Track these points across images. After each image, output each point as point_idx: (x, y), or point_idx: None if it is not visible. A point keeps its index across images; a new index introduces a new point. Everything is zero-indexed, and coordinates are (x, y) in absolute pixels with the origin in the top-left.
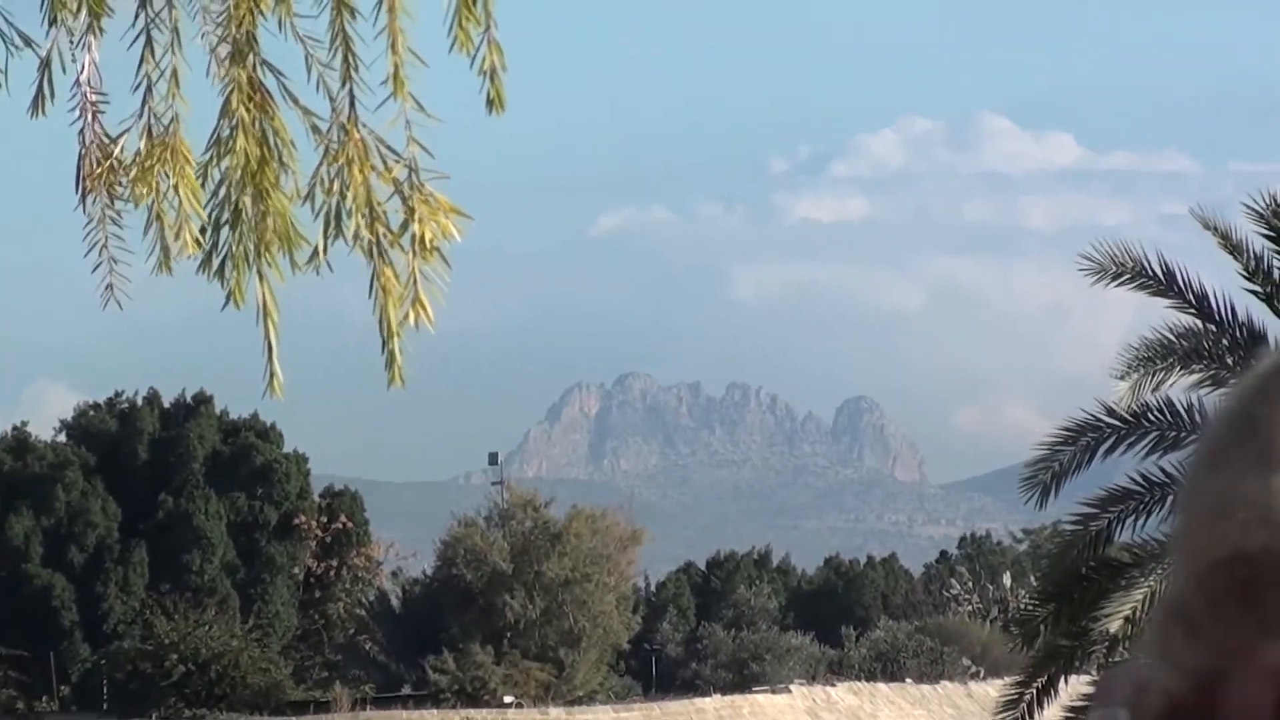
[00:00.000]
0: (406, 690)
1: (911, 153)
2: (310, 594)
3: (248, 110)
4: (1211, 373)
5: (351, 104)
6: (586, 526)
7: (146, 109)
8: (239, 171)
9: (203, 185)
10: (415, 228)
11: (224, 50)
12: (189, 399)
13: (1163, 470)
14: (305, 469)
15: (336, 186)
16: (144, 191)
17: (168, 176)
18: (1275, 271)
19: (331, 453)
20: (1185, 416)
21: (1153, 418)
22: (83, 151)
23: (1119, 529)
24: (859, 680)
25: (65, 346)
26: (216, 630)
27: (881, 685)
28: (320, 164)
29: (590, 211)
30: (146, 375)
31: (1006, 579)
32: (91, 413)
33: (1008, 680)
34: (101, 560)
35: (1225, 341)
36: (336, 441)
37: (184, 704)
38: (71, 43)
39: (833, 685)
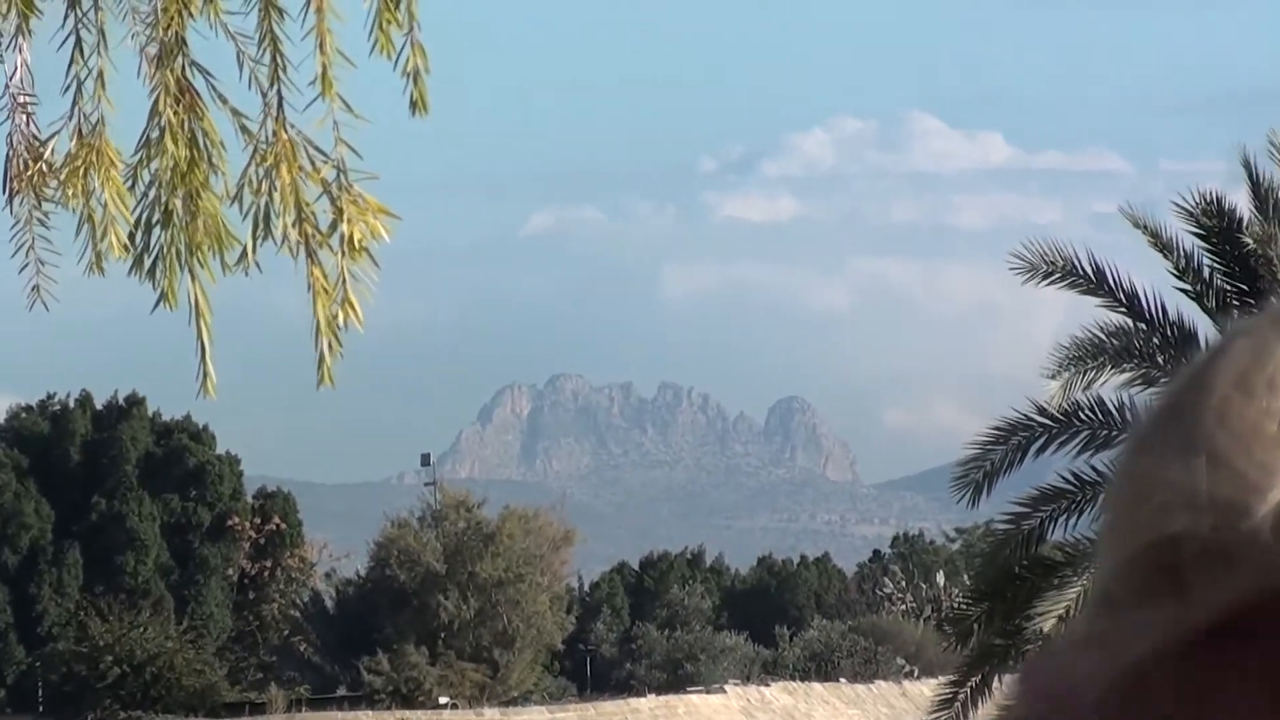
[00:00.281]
0: (342, 691)
1: (842, 152)
2: (244, 595)
3: (175, 112)
4: (1142, 371)
5: (280, 104)
6: (519, 527)
7: (77, 110)
8: (168, 173)
9: (133, 187)
10: (344, 228)
11: (153, 50)
12: (121, 401)
13: (1094, 469)
14: (238, 470)
15: (265, 187)
16: (72, 194)
17: (94, 178)
18: (1205, 270)
19: (264, 454)
20: (1116, 415)
21: (1084, 416)
22: (9, 153)
23: (1051, 528)
24: (793, 680)
25: None
26: (151, 632)
27: (816, 685)
28: (249, 165)
29: (520, 211)
30: (79, 377)
31: (940, 578)
32: (23, 415)
33: (942, 679)
34: (35, 562)
35: (1156, 340)
36: (269, 443)
37: (119, 706)
38: (0, 44)
39: (767, 685)
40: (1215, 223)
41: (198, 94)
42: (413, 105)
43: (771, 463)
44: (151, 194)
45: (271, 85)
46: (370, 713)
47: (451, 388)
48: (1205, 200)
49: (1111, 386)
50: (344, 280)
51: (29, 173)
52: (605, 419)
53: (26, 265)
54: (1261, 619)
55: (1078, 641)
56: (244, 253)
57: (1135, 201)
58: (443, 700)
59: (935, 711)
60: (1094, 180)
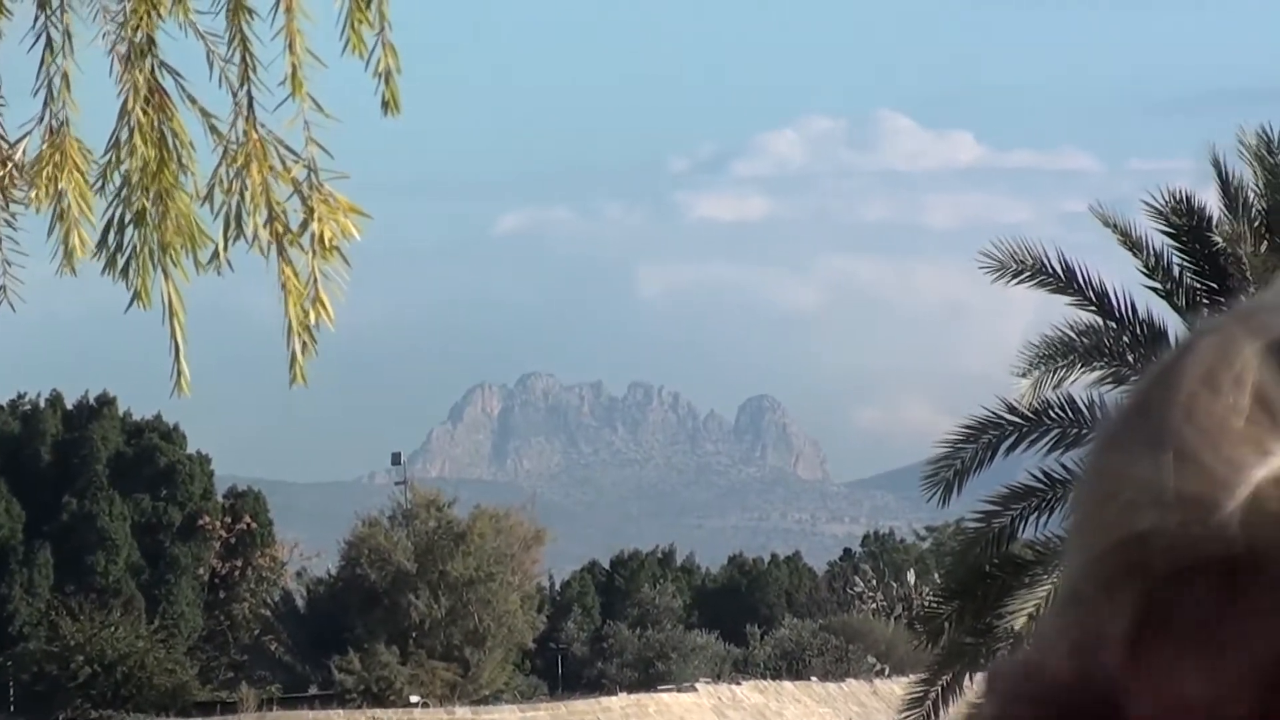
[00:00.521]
0: (313, 690)
1: (812, 151)
2: (215, 595)
3: (145, 113)
4: (1112, 370)
5: (250, 104)
6: (490, 526)
7: (48, 111)
8: (139, 173)
9: (104, 187)
10: (315, 227)
11: (123, 50)
12: (92, 401)
13: (1064, 467)
14: (209, 470)
15: (236, 186)
16: (39, 195)
17: (58, 179)
18: (1175, 268)
19: (235, 453)
20: (1086, 413)
21: (1054, 415)
22: None
23: (1022, 526)
24: (764, 679)
25: None
26: (122, 631)
27: (787, 683)
28: (219, 164)
29: (491, 211)
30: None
31: (910, 576)
32: None
33: (913, 678)
34: (6, 562)
35: (1126, 338)
36: (239, 442)
37: (90, 705)
38: None
39: (738, 684)
40: (1185, 221)
41: (167, 94)
42: (384, 105)
43: (742, 461)
44: (123, 194)
45: (241, 85)
46: (342, 712)
47: (422, 387)
48: (1175, 199)
49: (1082, 385)
50: (315, 279)
51: (0, 174)
52: (576, 418)
53: None
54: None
55: (1045, 639)
56: (216, 252)
57: (1105, 200)
58: (414, 699)
59: (906, 710)
60: (1064, 179)
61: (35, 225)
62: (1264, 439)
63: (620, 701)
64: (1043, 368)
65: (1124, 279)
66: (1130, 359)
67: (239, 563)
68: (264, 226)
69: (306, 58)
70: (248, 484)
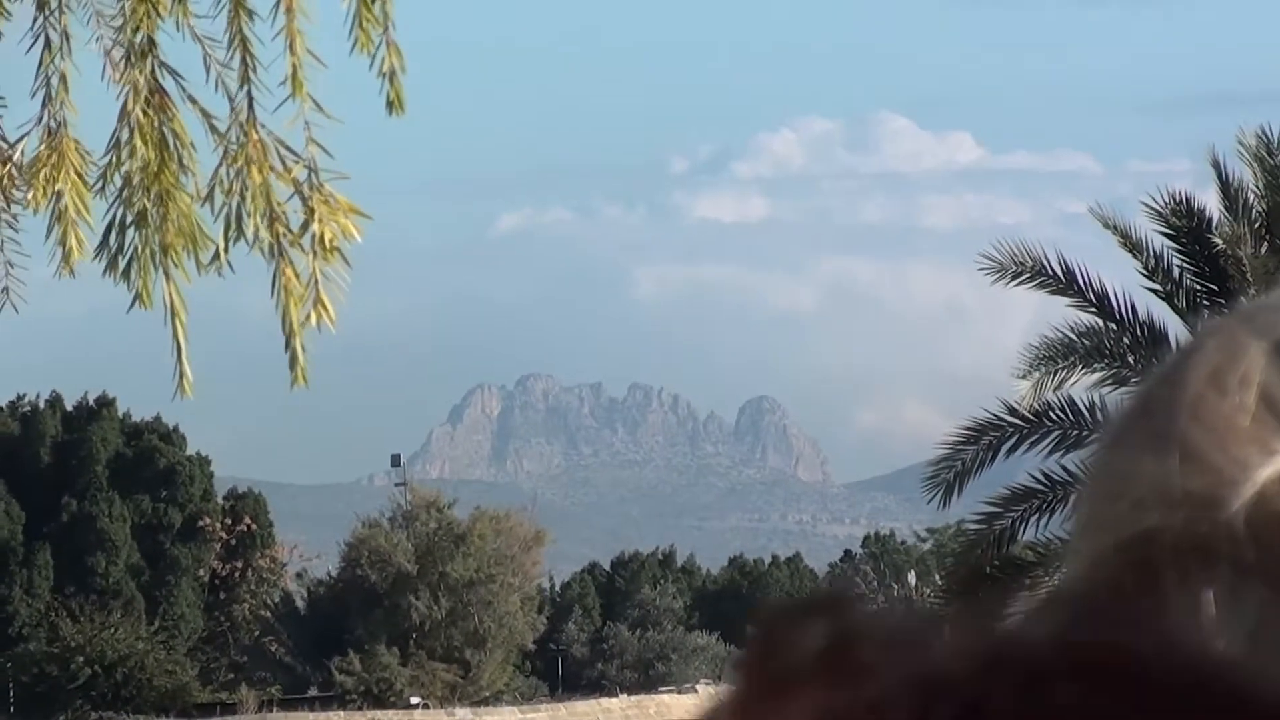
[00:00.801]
0: (313, 692)
1: (811, 152)
2: (215, 596)
3: (145, 113)
4: (1113, 371)
5: (250, 105)
6: (490, 527)
7: (46, 112)
8: (139, 174)
9: (104, 188)
10: (315, 228)
11: (119, 53)
12: (92, 402)
13: (1065, 469)
14: (208, 471)
15: (236, 187)
16: (37, 196)
17: (55, 180)
18: (1175, 269)
19: (234, 454)
20: (1087, 415)
21: (1055, 416)
22: None
23: (1022, 528)
24: None
25: None
26: (122, 633)
27: None
28: (220, 165)
29: (490, 212)
30: (49, 378)
31: (911, 578)
32: None
33: None
34: (5, 563)
35: (1126, 340)
36: (239, 443)
37: (91, 706)
38: None
39: None
40: (1185, 223)
41: (167, 95)
42: (389, 105)
43: (742, 463)
44: (124, 195)
45: (242, 86)
46: (342, 713)
47: (421, 388)
48: (1175, 200)
49: (1082, 386)
50: (316, 281)
51: None
52: (576, 419)
53: None
54: None
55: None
56: (217, 253)
57: (1104, 202)
58: (414, 700)
59: None
60: (1063, 180)
61: (34, 226)
62: (1269, 438)
63: (620, 703)
64: (1043, 369)
65: (1124, 280)
66: (1131, 360)
67: (239, 564)
68: (265, 228)
69: (307, 58)
70: (248, 485)
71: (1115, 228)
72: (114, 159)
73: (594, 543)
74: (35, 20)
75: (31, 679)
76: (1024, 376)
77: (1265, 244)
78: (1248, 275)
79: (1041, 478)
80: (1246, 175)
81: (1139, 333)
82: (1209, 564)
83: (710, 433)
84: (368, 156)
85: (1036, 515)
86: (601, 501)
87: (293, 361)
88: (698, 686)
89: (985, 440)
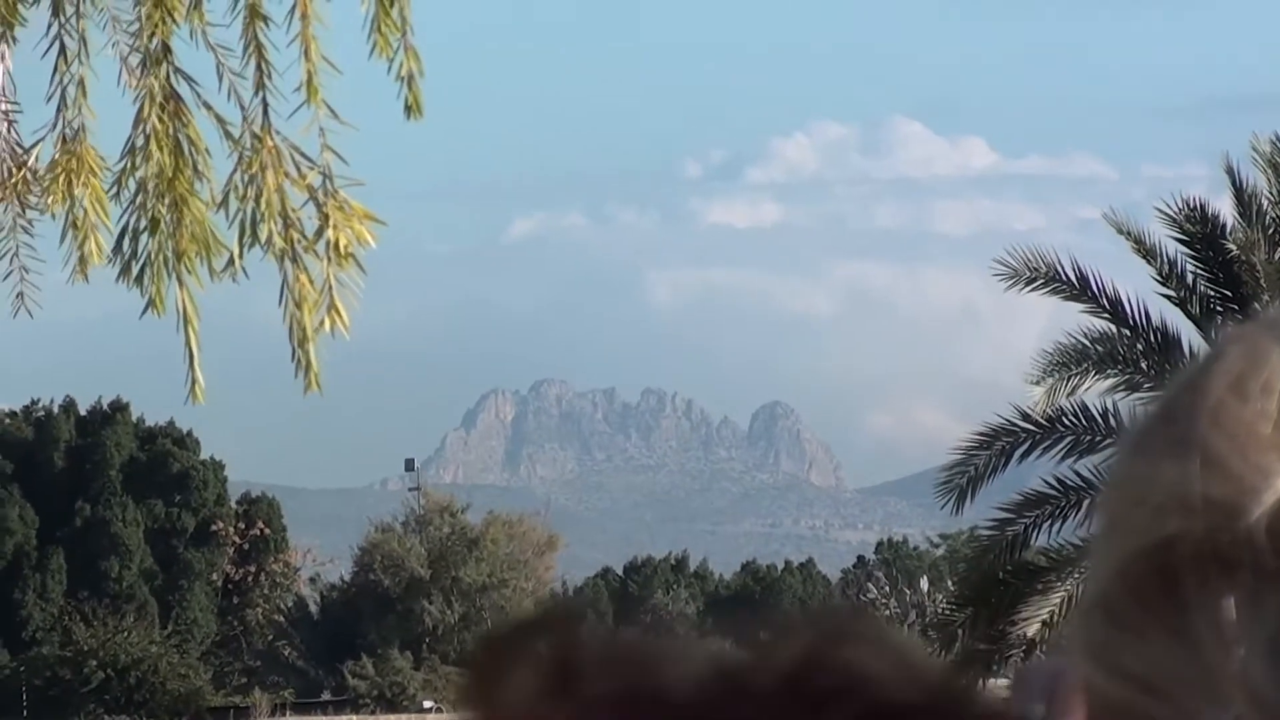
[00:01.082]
0: (326, 696)
1: (825, 157)
2: (229, 600)
3: (161, 119)
4: (1126, 377)
5: (265, 111)
6: (503, 532)
7: (61, 118)
8: (154, 179)
9: (119, 193)
10: (330, 234)
11: (135, 59)
12: (105, 406)
13: (1078, 474)
14: (222, 475)
15: (250, 194)
16: (55, 201)
17: (73, 186)
18: (1189, 276)
19: (248, 459)
20: (1100, 421)
21: (1068, 422)
22: None
23: (1035, 533)
24: None
25: None
26: (135, 636)
27: None
28: (234, 171)
29: (504, 217)
30: (63, 382)
31: (924, 584)
32: (7, 420)
33: None
34: (20, 567)
35: (1139, 346)
36: (253, 447)
37: (104, 710)
38: None
39: None
40: (1198, 229)
41: (182, 101)
42: (407, 109)
43: (755, 468)
44: (138, 200)
45: (257, 92)
46: (355, 717)
47: (435, 393)
48: (1189, 206)
49: (1095, 392)
50: (330, 286)
51: (13, 180)
52: (589, 424)
53: (11, 272)
54: None
55: (1071, 646)
56: (231, 259)
57: (1118, 207)
58: (427, 704)
59: None
60: (1076, 186)
61: (47, 231)
62: None
63: None
64: (1056, 375)
65: (1137, 286)
66: (1144, 366)
67: (252, 568)
68: (279, 234)
69: (321, 64)
70: (261, 490)
71: (1129, 233)
72: (128, 165)
73: (607, 548)
74: (50, 26)
75: (45, 682)
76: (1037, 382)
77: (1278, 250)
78: (1261, 281)
79: (1054, 483)
80: (1260, 181)
81: (1152, 339)
82: (1230, 571)
83: (723, 438)
84: (382, 161)
85: (1049, 521)
86: (615, 507)
87: (306, 368)
88: None
89: (998, 446)
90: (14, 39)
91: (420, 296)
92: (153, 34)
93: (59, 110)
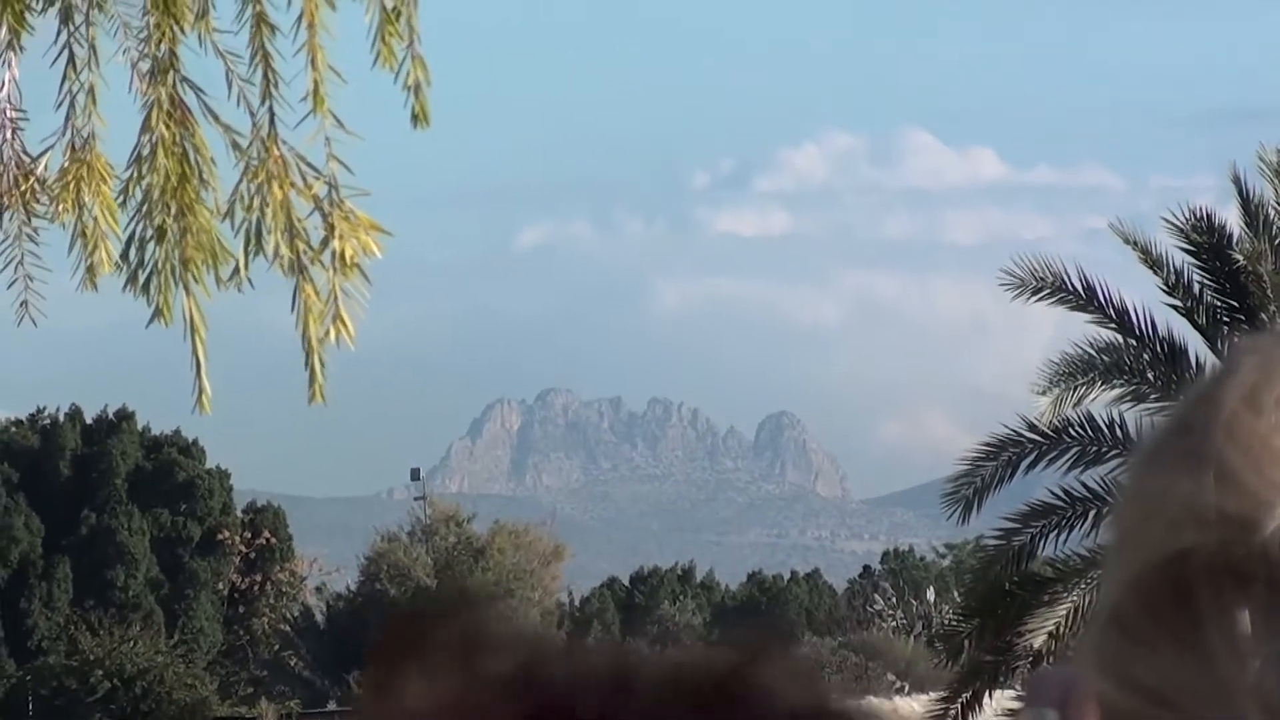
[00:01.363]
0: (332, 706)
1: (834, 167)
2: (235, 610)
3: (168, 128)
4: (1133, 388)
5: (271, 121)
6: (509, 542)
7: (69, 126)
8: (160, 189)
9: (125, 202)
10: (335, 244)
11: (145, 67)
12: (111, 415)
13: (1085, 485)
14: (228, 484)
15: (256, 203)
16: (63, 209)
17: (86, 193)
18: (1196, 286)
19: (254, 468)
20: (1107, 431)
21: (1074, 433)
22: (0, 169)
23: (1042, 544)
24: None
25: None
26: (142, 646)
27: None
28: (240, 181)
29: (511, 226)
30: (68, 390)
31: (930, 594)
32: (13, 429)
33: (933, 696)
34: (25, 576)
35: (1146, 356)
36: (259, 456)
37: None
38: None
39: None
40: (1205, 239)
41: (189, 110)
42: (414, 118)
43: (761, 478)
44: (144, 209)
45: (263, 101)
46: None
47: (441, 402)
48: (1195, 216)
49: (1102, 403)
50: (335, 297)
51: (22, 189)
52: (595, 434)
53: (16, 280)
54: None
55: (1084, 657)
56: (237, 269)
57: (1125, 217)
58: None
59: None
60: (1085, 196)
61: (52, 239)
62: None
63: None
64: (1063, 385)
65: (1144, 296)
66: (1150, 377)
67: (258, 578)
68: (285, 244)
69: (328, 74)
70: (267, 499)
71: (1136, 243)
72: (135, 173)
73: (613, 558)
74: (59, 33)
75: (51, 692)
76: (1044, 392)
77: None
78: (1268, 291)
79: (1061, 494)
80: (1268, 191)
81: (1159, 349)
82: (1244, 584)
83: (730, 448)
84: (388, 169)
85: (1055, 531)
86: (621, 516)
87: (311, 378)
88: None
89: (1004, 456)
90: (21, 47)
91: (426, 305)
92: (160, 41)
93: (68, 118)
